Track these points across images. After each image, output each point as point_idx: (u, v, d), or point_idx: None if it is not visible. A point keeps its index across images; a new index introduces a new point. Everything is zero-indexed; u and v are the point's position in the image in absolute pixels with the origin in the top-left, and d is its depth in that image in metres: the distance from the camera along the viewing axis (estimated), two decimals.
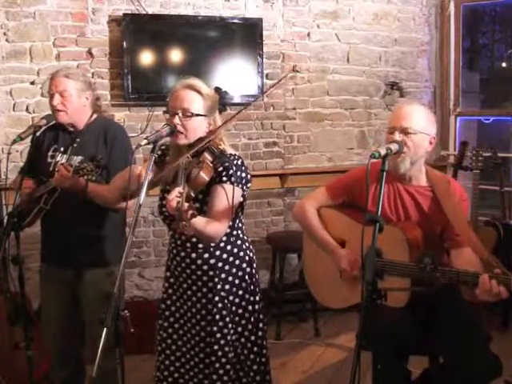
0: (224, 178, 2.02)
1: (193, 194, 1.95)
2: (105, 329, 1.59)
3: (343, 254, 2.33)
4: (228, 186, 2.02)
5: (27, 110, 3.70)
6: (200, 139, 2.05)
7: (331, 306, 2.55)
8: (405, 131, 2.15)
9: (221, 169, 2.03)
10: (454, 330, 2.14)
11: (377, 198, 1.89)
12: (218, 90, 2.11)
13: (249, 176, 2.11)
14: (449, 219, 2.15)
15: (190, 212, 1.74)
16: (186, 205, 1.76)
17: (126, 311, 1.73)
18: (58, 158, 2.50)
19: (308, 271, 2.58)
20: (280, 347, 3.61)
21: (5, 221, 2.30)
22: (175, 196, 1.82)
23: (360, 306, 1.77)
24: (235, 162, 2.05)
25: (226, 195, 2.02)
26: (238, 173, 2.05)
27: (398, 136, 2.13)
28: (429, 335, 2.20)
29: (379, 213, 1.83)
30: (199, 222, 1.89)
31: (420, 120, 2.18)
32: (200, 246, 2.12)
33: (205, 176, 1.95)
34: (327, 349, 3.68)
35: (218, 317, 2.12)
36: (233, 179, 2.02)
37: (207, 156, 2.00)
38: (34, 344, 2.42)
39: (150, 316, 3.60)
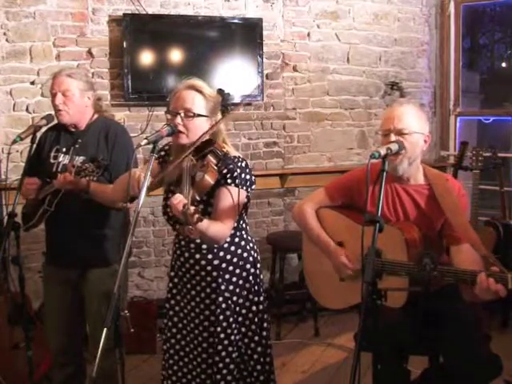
0: (229, 181, 2.02)
1: (198, 198, 1.94)
2: (105, 329, 1.59)
3: (342, 250, 2.34)
4: (233, 189, 2.02)
5: (27, 109, 3.70)
6: (203, 142, 2.04)
7: (331, 307, 2.56)
8: (400, 132, 2.15)
9: (225, 171, 2.03)
10: (454, 330, 2.15)
11: (376, 198, 1.89)
12: (220, 91, 2.11)
13: (253, 178, 2.12)
14: (447, 216, 2.15)
15: (197, 216, 1.74)
16: (192, 208, 1.75)
17: (126, 311, 1.73)
18: (61, 159, 2.51)
19: (307, 272, 2.58)
20: (280, 347, 3.60)
21: (5, 221, 2.30)
22: (180, 199, 1.82)
23: (360, 307, 1.77)
24: (239, 164, 2.05)
25: (231, 197, 2.02)
26: (243, 175, 2.05)
27: (393, 138, 2.13)
28: (429, 335, 2.20)
29: (379, 213, 1.84)
30: (203, 224, 1.88)
31: (413, 120, 2.18)
32: (204, 246, 2.12)
33: (210, 179, 1.94)
34: (327, 349, 3.68)
35: (221, 317, 2.12)
36: (237, 181, 2.02)
37: (211, 159, 1.99)
38: (33, 344, 2.42)
39: (149, 316, 3.62)
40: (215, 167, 1.99)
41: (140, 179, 1.90)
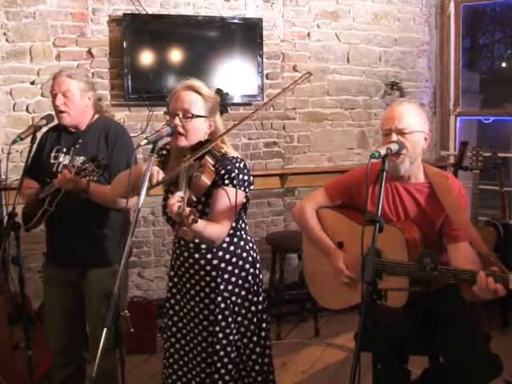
0: (226, 181, 2.02)
1: (194, 198, 1.94)
2: (105, 329, 1.59)
3: (340, 254, 2.34)
4: (230, 189, 2.02)
5: (27, 109, 3.70)
6: (202, 143, 2.04)
7: (331, 307, 2.56)
8: (401, 132, 2.15)
9: (223, 172, 2.02)
10: (454, 330, 2.15)
11: (376, 198, 1.89)
12: (219, 91, 2.11)
13: (251, 178, 2.11)
14: (447, 213, 2.15)
15: (192, 217, 1.74)
16: (188, 209, 1.75)
17: (126, 311, 1.73)
18: (61, 159, 2.51)
19: (307, 272, 2.58)
20: (280, 347, 3.61)
21: (5, 221, 2.30)
22: (176, 200, 1.81)
23: (360, 307, 1.77)
24: (237, 165, 2.05)
25: (228, 198, 2.01)
26: (241, 176, 2.05)
27: (395, 138, 2.13)
28: (429, 335, 2.21)
29: (379, 213, 1.84)
30: (200, 225, 1.87)
31: (414, 119, 2.18)
32: (203, 246, 2.12)
33: (206, 180, 1.94)
34: (327, 349, 3.68)
35: (220, 317, 2.12)
36: (235, 182, 2.02)
37: (209, 159, 1.99)
38: (33, 344, 2.42)
39: (149, 316, 3.62)
40: (212, 168, 1.99)
41: (153, 174, 1.93)
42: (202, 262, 2.13)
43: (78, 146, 2.50)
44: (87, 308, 2.54)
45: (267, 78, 4.19)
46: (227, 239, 2.13)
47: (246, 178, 2.08)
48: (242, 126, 4.17)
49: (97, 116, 2.58)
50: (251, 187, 2.12)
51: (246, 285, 2.19)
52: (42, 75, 3.68)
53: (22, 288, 2.35)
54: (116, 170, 2.38)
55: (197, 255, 2.14)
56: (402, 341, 2.21)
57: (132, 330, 1.74)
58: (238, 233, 2.17)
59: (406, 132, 2.15)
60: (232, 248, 2.15)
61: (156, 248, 4.09)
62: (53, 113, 2.51)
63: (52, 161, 2.53)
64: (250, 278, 2.19)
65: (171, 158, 2.14)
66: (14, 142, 2.40)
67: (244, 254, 2.18)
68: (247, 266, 2.19)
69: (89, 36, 3.77)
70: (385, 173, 1.90)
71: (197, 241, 2.12)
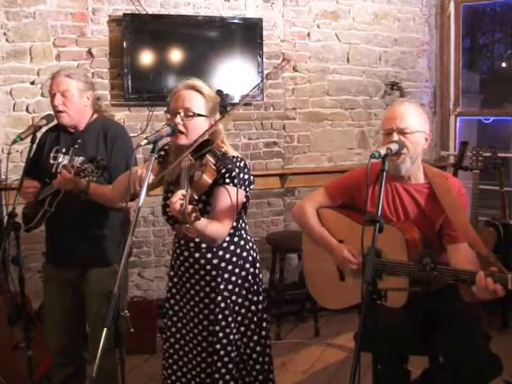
0: (227, 180, 2.03)
1: (196, 197, 1.95)
2: (105, 329, 1.59)
3: (344, 246, 2.33)
4: (231, 188, 2.03)
5: (27, 109, 3.70)
6: (202, 142, 2.05)
7: (330, 307, 2.56)
8: (402, 132, 2.15)
9: (224, 170, 2.03)
10: (454, 330, 2.15)
11: (376, 198, 1.89)
12: (219, 92, 2.12)
13: (251, 178, 2.12)
14: (447, 214, 2.15)
15: (194, 215, 1.75)
16: (190, 207, 1.76)
17: (126, 311, 1.73)
18: (60, 159, 2.51)
19: (307, 272, 2.58)
20: (280, 347, 3.61)
21: (5, 221, 2.30)
22: (178, 198, 1.82)
23: (360, 307, 1.77)
24: (238, 164, 2.06)
25: (229, 197, 2.02)
26: (241, 175, 2.06)
27: (396, 137, 2.14)
28: (429, 335, 2.21)
29: (379, 213, 1.84)
30: (201, 223, 1.89)
31: (415, 119, 2.19)
32: (203, 245, 2.13)
33: (207, 178, 1.95)
34: (327, 349, 3.68)
35: (220, 316, 2.13)
36: (236, 181, 2.03)
37: (210, 158, 2.00)
38: (33, 344, 2.42)
39: (149, 316, 3.62)
40: (213, 167, 2.00)
41: (142, 176, 1.91)
42: (202, 261, 2.13)
43: (76, 146, 2.50)
44: (87, 308, 2.54)
45: (267, 78, 4.19)
46: (227, 238, 2.13)
47: (246, 177, 2.08)
48: (242, 126, 4.18)
49: (95, 116, 2.58)
50: (251, 186, 2.13)
51: (246, 284, 2.19)
52: (41, 75, 3.68)
53: (22, 288, 2.35)
54: (115, 171, 2.38)
55: (197, 254, 2.14)
56: (402, 341, 2.21)
57: (132, 330, 1.74)
58: (238, 232, 2.17)
59: (408, 132, 2.15)
60: (232, 247, 2.15)
61: (156, 248, 4.09)
62: (53, 113, 2.51)
63: (51, 161, 2.52)
64: (249, 277, 2.19)
65: (171, 158, 2.14)
66: (14, 141, 2.40)
67: (244, 254, 2.18)
68: (247, 265, 2.19)
69: (89, 36, 3.77)
70: (385, 173, 1.90)
71: (197, 240, 2.12)
